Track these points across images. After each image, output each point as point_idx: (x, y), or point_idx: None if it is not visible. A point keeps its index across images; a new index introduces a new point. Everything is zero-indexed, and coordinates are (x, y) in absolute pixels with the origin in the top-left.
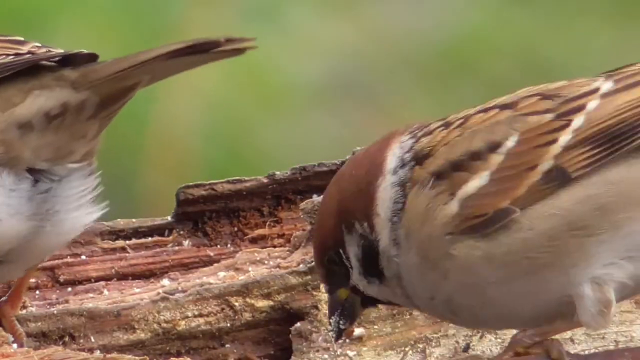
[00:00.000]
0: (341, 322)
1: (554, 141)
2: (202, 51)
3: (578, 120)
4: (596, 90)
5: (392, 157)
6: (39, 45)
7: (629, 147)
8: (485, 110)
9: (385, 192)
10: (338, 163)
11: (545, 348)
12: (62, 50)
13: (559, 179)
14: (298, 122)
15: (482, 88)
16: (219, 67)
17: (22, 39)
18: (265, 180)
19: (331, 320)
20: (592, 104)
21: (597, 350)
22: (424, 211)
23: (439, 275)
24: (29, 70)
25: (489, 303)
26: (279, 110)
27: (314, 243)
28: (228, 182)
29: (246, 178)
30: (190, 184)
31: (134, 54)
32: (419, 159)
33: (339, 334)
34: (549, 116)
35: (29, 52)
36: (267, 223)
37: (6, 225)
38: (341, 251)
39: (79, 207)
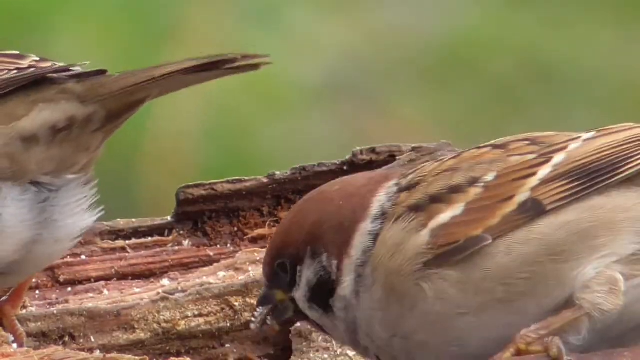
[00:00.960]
0: (269, 318)
1: (533, 175)
2: (217, 68)
3: (558, 157)
4: (579, 137)
5: (377, 203)
6: (37, 59)
7: (607, 183)
8: (479, 147)
9: (362, 238)
10: (338, 163)
11: (545, 346)
12: (63, 64)
13: (533, 210)
14: (298, 122)
15: (482, 88)
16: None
17: (18, 53)
18: (265, 180)
19: (259, 310)
20: (574, 145)
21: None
22: (395, 244)
23: (405, 307)
24: (32, 84)
25: (455, 338)
26: (278, 111)
27: (273, 241)
28: (228, 182)
29: (246, 178)
30: (190, 184)
31: (145, 70)
32: (402, 193)
33: (260, 326)
34: (530, 156)
35: (29, 67)
36: (267, 223)
37: (11, 236)
38: (298, 267)
39: (76, 215)
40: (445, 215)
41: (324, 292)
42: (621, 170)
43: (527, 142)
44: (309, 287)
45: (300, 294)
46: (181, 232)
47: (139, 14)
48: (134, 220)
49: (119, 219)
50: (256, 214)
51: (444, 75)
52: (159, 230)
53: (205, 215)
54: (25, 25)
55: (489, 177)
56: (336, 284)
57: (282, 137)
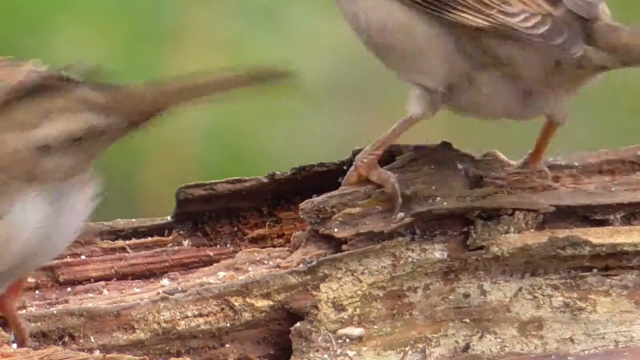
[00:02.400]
0: None
1: None
2: (259, 83)
3: None
4: None
5: None
6: (34, 64)
7: None
8: None
9: None
10: (338, 163)
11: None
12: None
13: None
14: (298, 122)
15: None
16: (217, 67)
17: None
18: (265, 180)
19: None
20: None
21: (597, 350)
22: None
23: None
24: (41, 91)
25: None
26: (278, 111)
27: None
28: (228, 182)
29: (246, 178)
30: (190, 184)
31: (177, 82)
32: None
33: None
34: None
35: (30, 72)
36: (267, 223)
37: (21, 237)
38: None
39: (76, 212)
40: None
41: None
42: None
43: None
44: None
45: None
46: (181, 232)
47: (139, 14)
48: (134, 220)
49: (119, 219)
50: (256, 214)
51: None
52: (159, 230)
53: (205, 215)
54: (24, 25)
55: None
56: None
57: (282, 137)
